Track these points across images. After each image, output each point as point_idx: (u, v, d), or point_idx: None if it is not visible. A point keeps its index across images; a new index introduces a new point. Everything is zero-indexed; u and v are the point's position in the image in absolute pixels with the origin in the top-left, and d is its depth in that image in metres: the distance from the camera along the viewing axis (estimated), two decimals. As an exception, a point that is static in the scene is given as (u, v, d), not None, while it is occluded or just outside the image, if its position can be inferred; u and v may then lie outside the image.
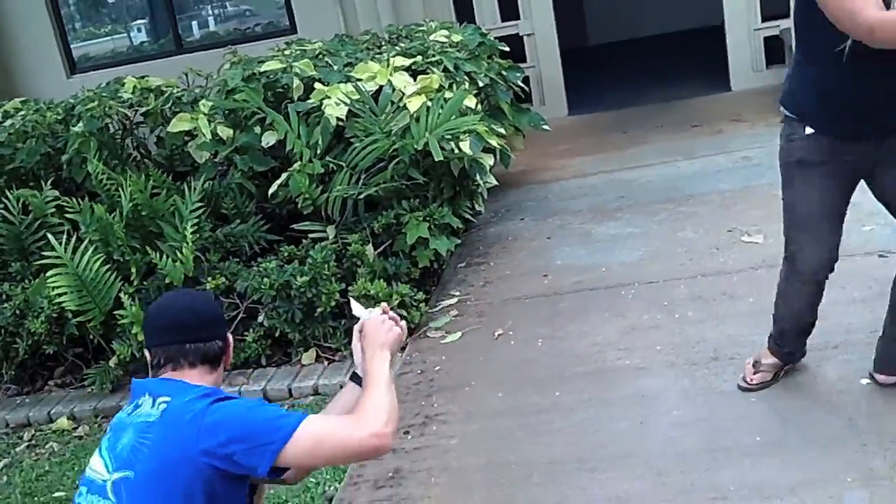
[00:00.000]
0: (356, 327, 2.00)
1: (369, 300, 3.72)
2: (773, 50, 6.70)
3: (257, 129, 4.49)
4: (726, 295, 3.62)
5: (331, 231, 4.25)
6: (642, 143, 5.97)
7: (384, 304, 2.04)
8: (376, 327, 1.95)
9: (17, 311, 3.91)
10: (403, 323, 2.01)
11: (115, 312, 3.82)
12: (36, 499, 3.31)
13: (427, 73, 4.57)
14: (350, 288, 3.78)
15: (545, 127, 5.62)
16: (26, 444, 3.75)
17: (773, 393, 2.88)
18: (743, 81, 6.78)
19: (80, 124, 4.57)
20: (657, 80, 7.68)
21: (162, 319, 1.93)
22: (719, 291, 3.66)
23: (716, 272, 3.83)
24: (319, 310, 3.75)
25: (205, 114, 4.57)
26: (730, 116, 6.19)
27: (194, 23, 8.11)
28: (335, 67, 4.71)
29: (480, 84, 5.06)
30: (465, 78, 4.89)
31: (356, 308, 2.04)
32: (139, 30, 8.30)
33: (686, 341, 3.32)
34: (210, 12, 8.26)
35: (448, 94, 4.39)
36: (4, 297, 4.03)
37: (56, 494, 3.30)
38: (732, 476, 2.53)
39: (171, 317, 1.92)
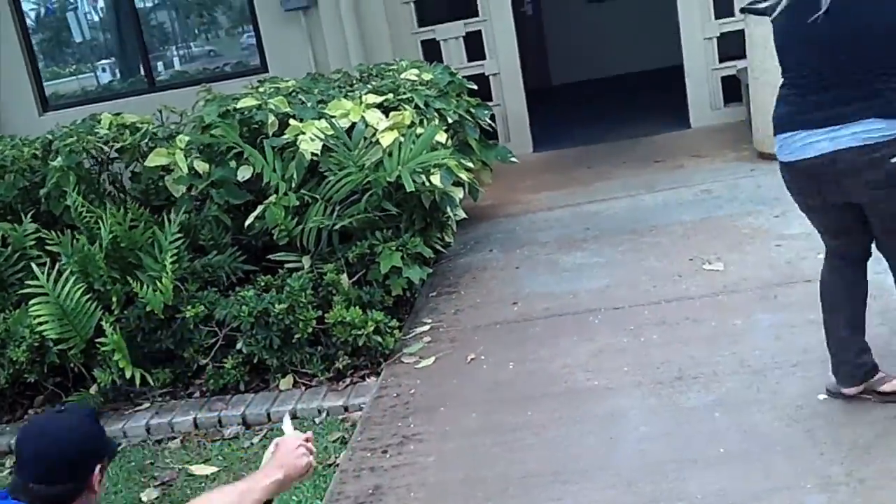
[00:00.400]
0: (276, 440, 2.09)
1: (346, 327, 3.82)
2: (731, 89, 6.97)
3: (233, 164, 4.60)
4: (689, 319, 3.77)
5: (306, 261, 4.35)
6: (606, 178, 6.15)
7: (310, 434, 2.13)
8: (290, 448, 2.02)
9: (-1, 341, 3.96)
10: (314, 459, 2.07)
11: (96, 340, 3.89)
12: (19, 523, 3.32)
13: (399, 110, 4.72)
14: (326, 315, 3.87)
15: (513, 159, 5.78)
16: (8, 470, 3.74)
17: (735, 409, 3.03)
18: (702, 119, 7.03)
19: (60, 159, 4.65)
20: (620, 119, 7.90)
21: (22, 446, 1.91)
22: (682, 316, 3.81)
23: (679, 298, 3.99)
24: (297, 336, 3.84)
25: (181, 149, 4.67)
26: (690, 152, 6.40)
27: (165, 62, 8.22)
28: (309, 104, 4.84)
29: (450, 120, 5.21)
30: (435, 115, 5.05)
31: (286, 423, 2.15)
32: (109, 69, 8.38)
33: (651, 362, 3.46)
34: (180, 52, 8.38)
35: (419, 130, 4.54)
36: (-14, 326, 4.06)
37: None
38: (699, 485, 2.66)
39: (29, 450, 1.90)
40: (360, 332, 3.82)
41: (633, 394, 3.26)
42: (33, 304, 3.87)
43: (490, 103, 6.56)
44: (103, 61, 8.37)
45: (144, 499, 3.31)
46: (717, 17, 6.85)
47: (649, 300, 4.02)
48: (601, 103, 9.01)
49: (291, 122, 4.56)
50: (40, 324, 3.84)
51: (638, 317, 3.87)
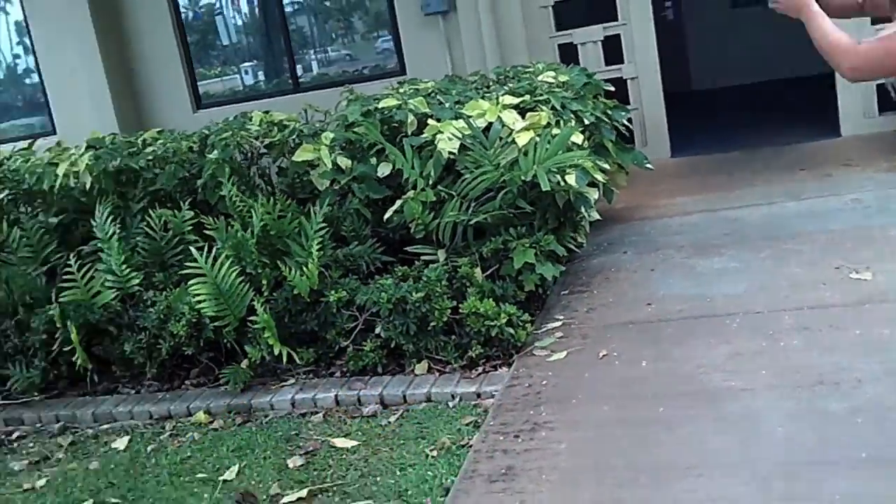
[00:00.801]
0: None
1: (479, 318, 3.91)
2: (887, 97, 6.63)
3: (373, 160, 4.79)
4: (832, 326, 3.65)
5: (441, 254, 4.48)
6: (747, 185, 5.99)
7: None
8: None
9: (161, 316, 4.28)
10: None
11: (248, 319, 4.16)
12: (181, 478, 3.60)
13: (535, 111, 4.78)
14: (461, 306, 3.98)
15: (648, 165, 5.74)
16: (169, 433, 4.05)
17: (880, 415, 2.92)
18: (853, 127, 6.73)
19: (216, 152, 4.97)
20: (763, 126, 7.68)
21: None
22: (825, 323, 3.70)
23: (822, 305, 3.87)
24: (432, 324, 3.97)
25: (326, 145, 4.90)
26: (839, 161, 6.15)
27: (305, 65, 8.61)
28: (447, 105, 4.97)
29: (586, 122, 5.22)
30: (572, 116, 5.07)
31: None
32: (252, 71, 8.89)
33: (791, 366, 3.38)
34: (318, 55, 8.77)
35: (555, 131, 4.59)
36: (150, 302, 4.41)
37: (199, 475, 3.59)
38: (837, 486, 2.59)
39: None
40: (493, 324, 3.90)
41: (771, 396, 3.20)
42: (193, 284, 4.17)
43: (628, 107, 6.53)
44: (247, 63, 8.87)
45: (290, 465, 3.50)
46: (873, 23, 6.55)
47: (790, 306, 3.91)
48: (744, 110, 8.79)
49: (430, 121, 4.71)
50: (199, 302, 4.13)
51: (778, 322, 3.78)
